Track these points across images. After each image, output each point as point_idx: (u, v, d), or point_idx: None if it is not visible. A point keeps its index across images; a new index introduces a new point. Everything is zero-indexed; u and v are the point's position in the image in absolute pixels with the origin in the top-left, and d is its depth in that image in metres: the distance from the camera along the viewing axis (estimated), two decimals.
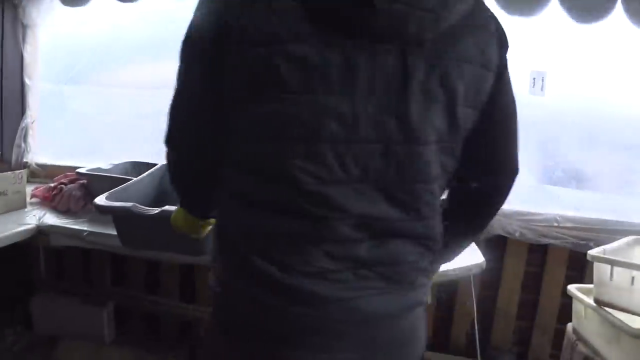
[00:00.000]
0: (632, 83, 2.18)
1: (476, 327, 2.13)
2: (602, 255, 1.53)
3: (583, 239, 2.18)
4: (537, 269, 2.31)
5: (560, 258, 2.27)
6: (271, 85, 0.86)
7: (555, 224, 2.19)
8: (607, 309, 1.51)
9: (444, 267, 1.68)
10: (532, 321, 2.35)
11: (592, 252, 1.53)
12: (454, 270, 1.70)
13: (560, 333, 2.34)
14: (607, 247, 1.60)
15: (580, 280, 2.27)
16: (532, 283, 2.32)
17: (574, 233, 2.18)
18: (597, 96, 2.19)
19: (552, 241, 2.19)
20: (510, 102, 1.01)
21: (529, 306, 2.34)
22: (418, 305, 1.01)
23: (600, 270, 1.52)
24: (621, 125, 2.23)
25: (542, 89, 2.16)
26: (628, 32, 2.11)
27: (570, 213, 2.21)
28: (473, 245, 1.89)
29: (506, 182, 1.08)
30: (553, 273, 2.29)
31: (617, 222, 2.19)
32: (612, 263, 1.48)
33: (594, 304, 1.55)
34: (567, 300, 2.31)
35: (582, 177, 2.24)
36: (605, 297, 1.51)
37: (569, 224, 2.19)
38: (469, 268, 1.75)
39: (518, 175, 1.08)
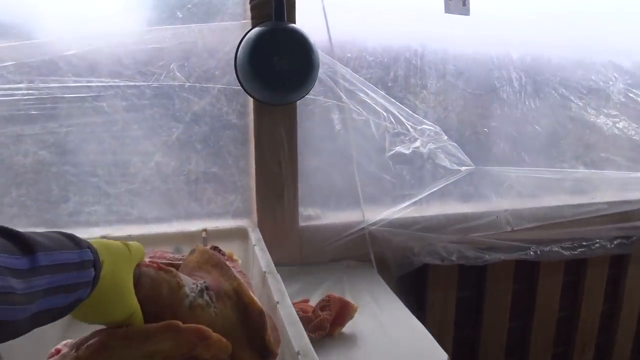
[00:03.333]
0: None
1: None
2: None
3: (546, 243, 1.36)
4: (473, 293, 1.44)
5: (504, 272, 1.42)
6: None
7: (509, 228, 1.32)
8: None
9: None
10: None
11: None
12: None
13: None
14: None
15: (532, 296, 1.46)
16: (469, 314, 1.45)
17: (536, 235, 1.34)
18: (540, 27, 1.32)
19: (506, 256, 1.33)
20: None
21: (465, 347, 1.48)
22: None
23: None
24: (571, 68, 1.40)
25: (464, 4, 1.23)
26: None
27: (528, 204, 1.35)
28: (428, 338, 0.93)
29: None
30: (496, 294, 1.44)
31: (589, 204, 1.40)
32: None
33: None
34: (514, 324, 1.53)
35: (530, 147, 1.38)
36: None
37: (527, 224, 1.34)
38: None
39: None
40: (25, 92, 1.04)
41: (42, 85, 1.04)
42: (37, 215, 1.12)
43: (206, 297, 0.62)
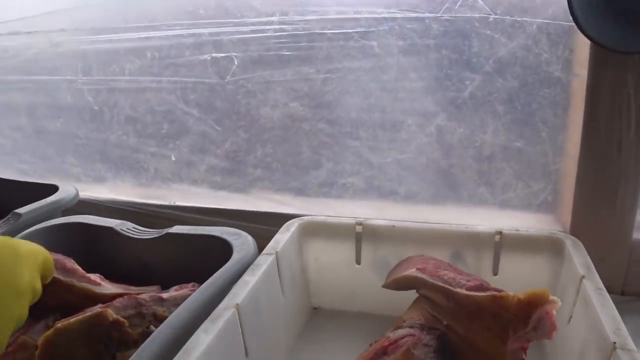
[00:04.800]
0: None
1: None
2: None
3: None
4: None
5: None
6: None
7: None
8: None
9: None
10: None
11: None
12: None
13: None
14: None
15: None
16: None
17: None
18: None
19: None
20: None
21: None
22: None
23: None
24: None
25: None
26: None
27: None
28: None
29: None
30: None
31: None
32: None
33: None
34: None
35: None
36: None
37: None
38: None
39: None
40: (277, 27, 0.81)
41: (297, 18, 0.80)
42: (282, 180, 0.91)
43: None
